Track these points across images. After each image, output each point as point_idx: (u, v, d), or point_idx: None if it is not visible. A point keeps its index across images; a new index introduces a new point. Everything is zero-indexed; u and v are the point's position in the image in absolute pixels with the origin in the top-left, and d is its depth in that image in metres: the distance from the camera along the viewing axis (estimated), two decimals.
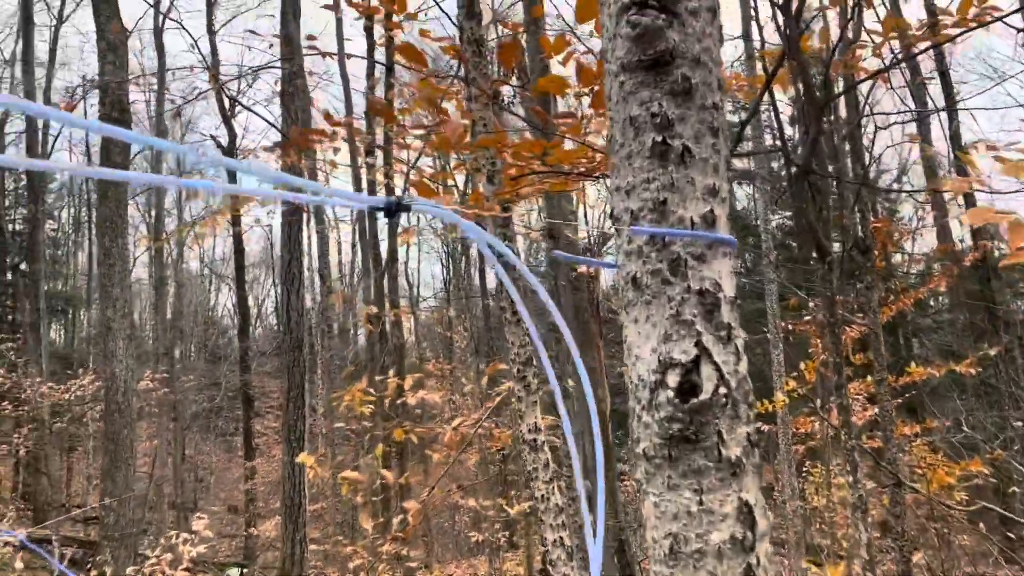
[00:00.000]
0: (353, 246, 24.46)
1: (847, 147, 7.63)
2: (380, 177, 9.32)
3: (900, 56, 4.03)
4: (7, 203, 26.66)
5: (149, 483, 18.82)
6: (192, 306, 33.52)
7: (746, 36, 12.10)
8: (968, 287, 13.47)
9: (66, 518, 13.66)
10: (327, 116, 4.89)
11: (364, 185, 13.60)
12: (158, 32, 20.82)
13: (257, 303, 36.45)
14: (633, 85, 1.19)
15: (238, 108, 20.03)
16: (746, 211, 21.55)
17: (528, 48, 6.43)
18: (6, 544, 15.63)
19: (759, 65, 9.40)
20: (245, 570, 14.59)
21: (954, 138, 13.36)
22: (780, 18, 3.48)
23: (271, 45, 10.01)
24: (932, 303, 18.93)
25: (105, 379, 10.58)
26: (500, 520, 10.64)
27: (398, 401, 5.05)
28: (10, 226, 26.14)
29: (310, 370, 12.93)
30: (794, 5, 3.48)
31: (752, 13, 11.28)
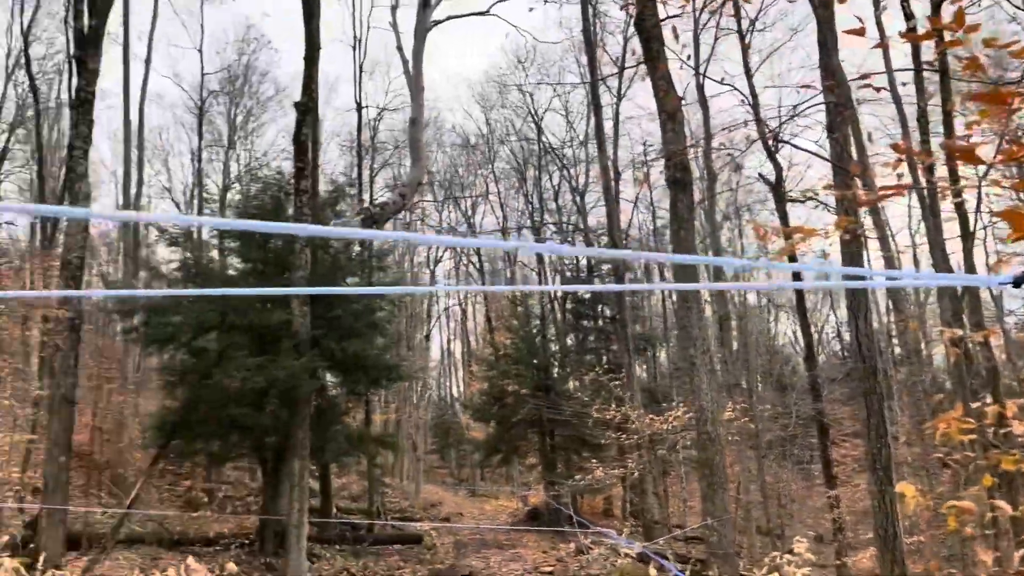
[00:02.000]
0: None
1: None
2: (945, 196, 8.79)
3: None
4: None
5: (736, 508, 20.01)
6: (754, 337, 34.75)
7: None
8: None
9: (674, 536, 15.39)
10: (896, 146, 4.95)
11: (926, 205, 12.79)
12: (700, 88, 22.64)
13: (816, 330, 36.14)
14: None
15: (780, 143, 20.59)
16: None
17: None
18: (626, 555, 18.07)
19: None
20: None
21: None
22: None
23: (802, 87, 10.28)
24: None
25: (695, 411, 11.77)
26: None
27: (1001, 431, 4.75)
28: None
29: (887, 397, 12.53)
30: None
31: None
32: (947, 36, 4.15)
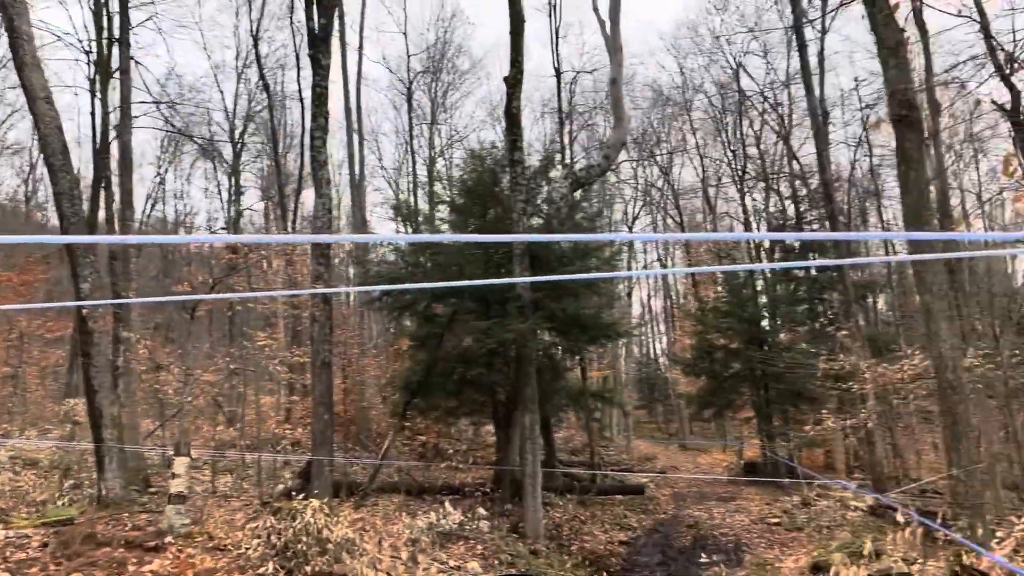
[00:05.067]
0: None
1: None
2: None
3: None
4: None
5: (981, 460, 18.63)
6: (990, 278, 31.74)
7: None
8: None
9: (910, 488, 14.78)
10: None
11: None
12: (917, 13, 20.81)
13: None
14: None
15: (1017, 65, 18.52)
16: None
17: None
18: (856, 507, 17.39)
19: None
20: None
21: None
22: None
23: None
24: None
25: (933, 358, 11.20)
26: None
27: None
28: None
29: None
30: None
31: None
32: None
